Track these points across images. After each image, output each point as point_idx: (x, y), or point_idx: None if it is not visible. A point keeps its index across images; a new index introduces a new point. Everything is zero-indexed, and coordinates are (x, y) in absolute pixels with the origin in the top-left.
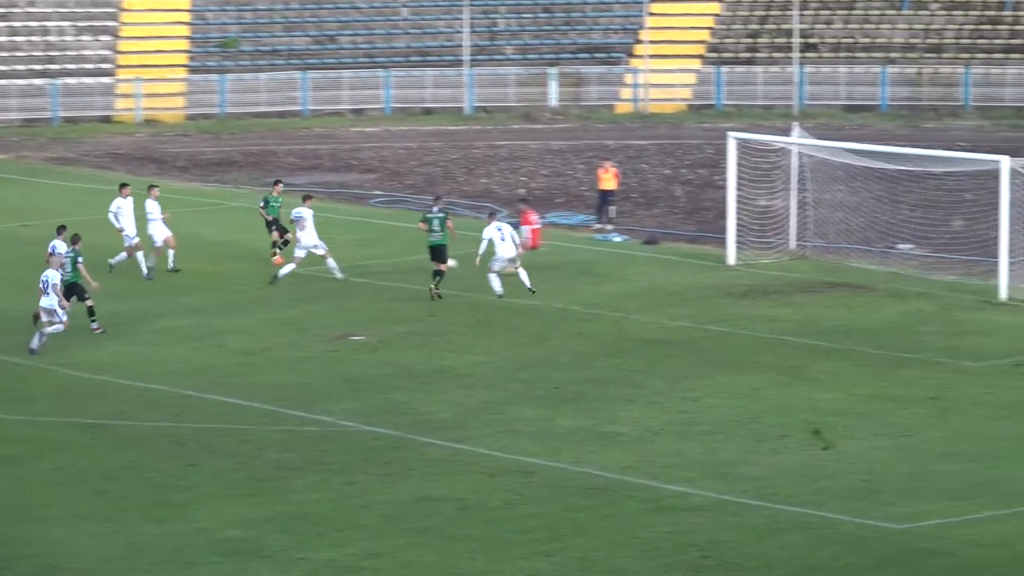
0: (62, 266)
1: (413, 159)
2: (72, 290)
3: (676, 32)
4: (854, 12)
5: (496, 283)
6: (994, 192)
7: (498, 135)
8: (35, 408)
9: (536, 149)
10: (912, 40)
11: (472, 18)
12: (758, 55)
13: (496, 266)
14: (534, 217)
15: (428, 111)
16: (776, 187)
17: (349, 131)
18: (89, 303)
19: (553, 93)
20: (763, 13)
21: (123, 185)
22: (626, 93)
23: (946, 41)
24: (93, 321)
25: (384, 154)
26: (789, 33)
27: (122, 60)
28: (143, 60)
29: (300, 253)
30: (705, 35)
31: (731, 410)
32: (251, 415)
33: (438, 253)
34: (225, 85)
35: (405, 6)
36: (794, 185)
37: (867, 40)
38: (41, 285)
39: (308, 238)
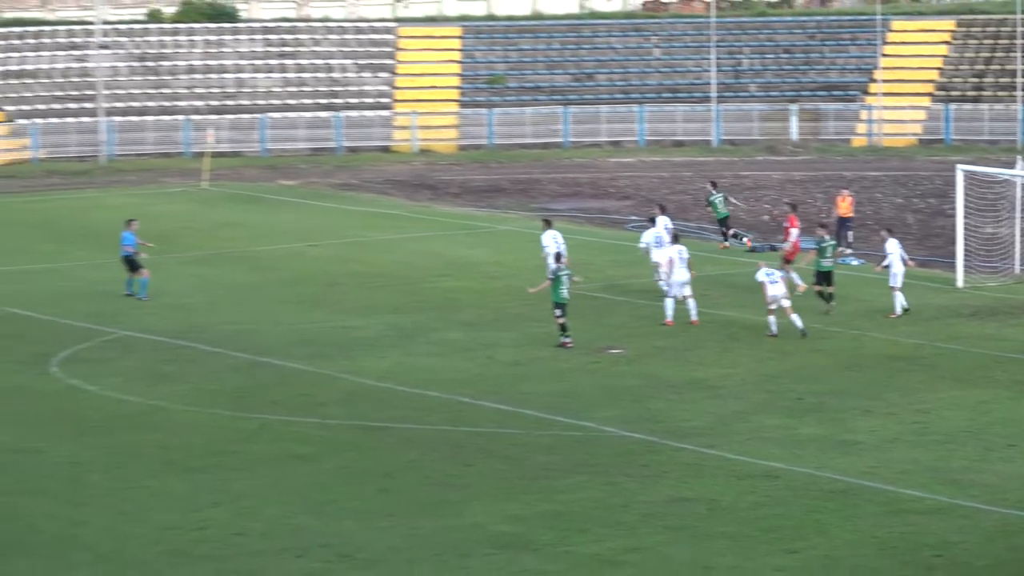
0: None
1: (665, 187)
2: None
3: (907, 72)
4: None
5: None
6: None
7: (743, 166)
8: (325, 412)
9: (778, 179)
10: None
11: (718, 58)
12: (984, 93)
13: (673, 290)
14: (795, 231)
15: (679, 143)
16: (1001, 216)
17: (607, 161)
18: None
19: (794, 128)
20: (988, 54)
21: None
22: (861, 128)
23: None
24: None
25: (639, 182)
26: (1013, 73)
27: (399, 95)
28: (418, 95)
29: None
30: (934, 75)
31: (961, 421)
32: (520, 420)
33: (824, 277)
34: (493, 119)
35: (657, 47)
36: (1019, 214)
37: None
38: (767, 278)
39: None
